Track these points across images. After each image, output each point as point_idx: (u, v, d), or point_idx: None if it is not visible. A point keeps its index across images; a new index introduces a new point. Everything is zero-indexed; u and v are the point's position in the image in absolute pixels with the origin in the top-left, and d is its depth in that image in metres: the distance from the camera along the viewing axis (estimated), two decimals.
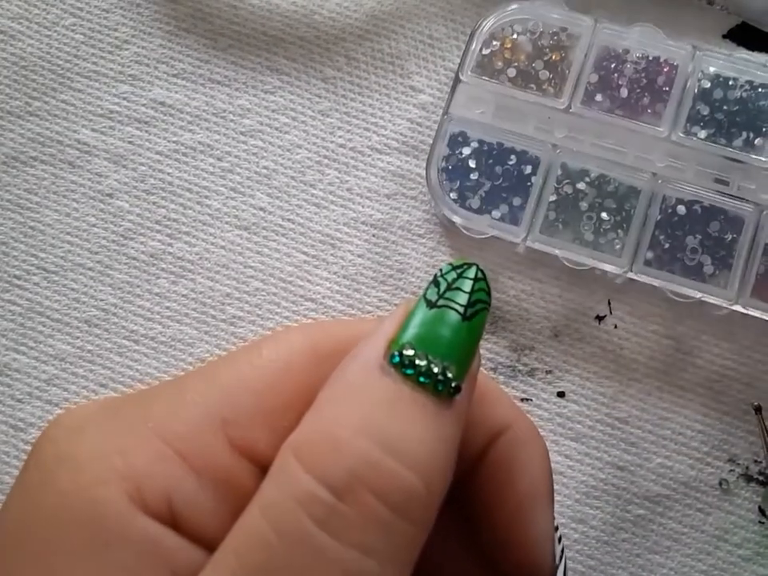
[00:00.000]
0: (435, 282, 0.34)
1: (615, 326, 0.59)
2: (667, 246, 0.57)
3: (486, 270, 0.35)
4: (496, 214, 0.59)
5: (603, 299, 0.60)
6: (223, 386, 0.33)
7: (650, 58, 0.59)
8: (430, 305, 0.33)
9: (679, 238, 0.57)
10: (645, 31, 0.59)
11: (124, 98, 0.63)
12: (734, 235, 0.57)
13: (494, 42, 0.60)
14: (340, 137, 0.62)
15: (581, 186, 0.58)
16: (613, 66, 0.59)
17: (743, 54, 0.60)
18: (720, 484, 0.57)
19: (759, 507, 0.57)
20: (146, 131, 0.63)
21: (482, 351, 0.57)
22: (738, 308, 0.57)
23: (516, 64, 0.60)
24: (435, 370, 0.31)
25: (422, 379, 0.31)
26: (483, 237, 0.59)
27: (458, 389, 0.32)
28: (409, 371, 0.31)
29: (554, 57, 0.60)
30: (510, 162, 0.59)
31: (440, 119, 0.60)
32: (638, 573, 0.57)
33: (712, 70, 0.59)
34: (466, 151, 0.59)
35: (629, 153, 0.58)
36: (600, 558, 0.57)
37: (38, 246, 0.62)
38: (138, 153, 0.63)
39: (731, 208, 0.57)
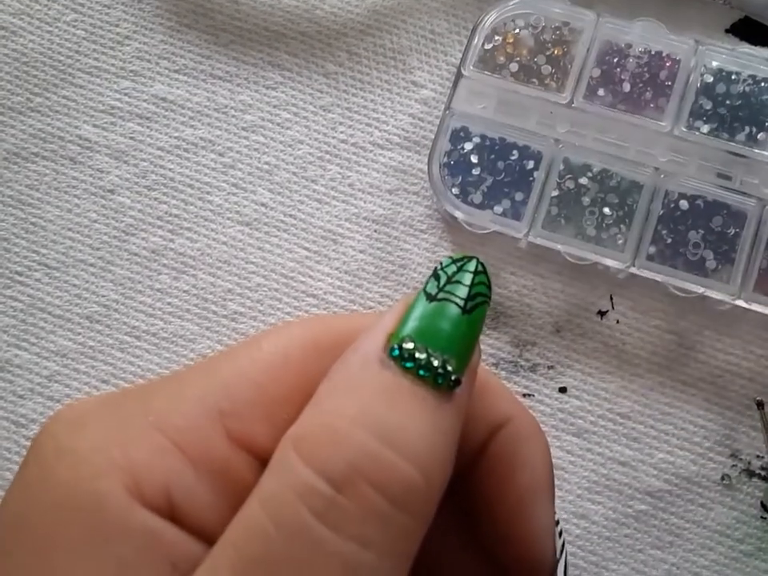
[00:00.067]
0: (435, 276, 0.34)
1: (617, 321, 0.59)
2: (670, 240, 0.57)
3: (488, 266, 0.35)
4: (498, 209, 0.59)
5: (605, 294, 0.59)
6: (222, 380, 0.33)
7: (653, 53, 0.59)
8: (430, 298, 0.33)
9: (682, 233, 0.57)
10: (647, 26, 0.59)
11: (125, 94, 0.63)
12: (737, 230, 0.57)
13: (496, 37, 0.60)
14: (342, 132, 0.62)
15: (583, 180, 0.58)
16: (615, 60, 0.59)
17: (746, 48, 0.60)
18: (722, 479, 0.57)
19: (761, 502, 0.57)
20: (148, 127, 0.63)
21: (483, 347, 0.58)
22: (740, 303, 0.57)
23: (518, 59, 0.60)
24: (435, 363, 0.31)
25: (421, 372, 0.31)
26: (485, 232, 0.59)
27: (457, 382, 0.32)
28: (408, 364, 0.31)
29: (556, 51, 0.60)
30: (512, 157, 0.59)
31: (442, 114, 0.60)
32: (640, 568, 0.57)
33: (715, 64, 0.59)
34: (468, 146, 0.59)
35: (631, 147, 0.58)
36: (602, 553, 0.57)
37: (39, 242, 0.62)
38: (140, 149, 0.63)
39: (734, 203, 0.57)
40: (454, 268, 0.34)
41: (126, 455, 0.31)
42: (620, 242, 0.57)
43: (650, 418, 0.58)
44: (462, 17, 0.63)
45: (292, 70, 0.63)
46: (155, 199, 0.62)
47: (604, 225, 0.58)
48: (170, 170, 0.62)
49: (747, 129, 0.58)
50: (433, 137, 0.60)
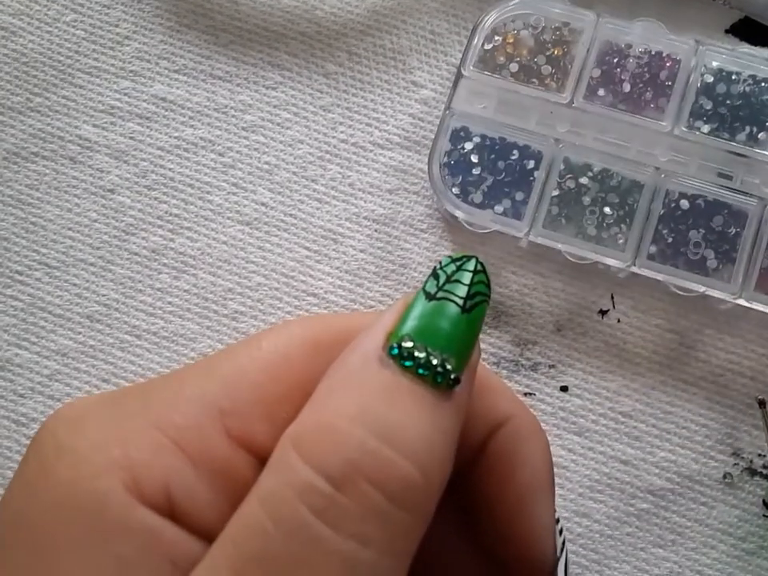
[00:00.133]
0: (434, 275, 0.34)
1: (618, 320, 0.59)
2: (670, 240, 0.57)
3: (489, 265, 0.35)
4: (498, 208, 0.59)
5: (606, 293, 0.59)
6: (222, 378, 0.33)
7: (653, 53, 0.59)
8: (429, 297, 0.33)
9: (682, 232, 0.57)
10: (647, 26, 0.59)
11: (125, 94, 0.64)
12: (738, 229, 0.57)
13: (496, 37, 0.60)
14: (342, 132, 0.63)
15: (583, 180, 0.58)
16: (615, 60, 0.59)
17: (746, 48, 0.60)
18: (724, 477, 0.57)
19: (763, 501, 0.57)
20: (148, 127, 0.63)
21: (485, 346, 0.58)
22: (741, 302, 0.57)
23: (518, 59, 0.60)
24: (434, 362, 0.31)
25: (420, 371, 0.31)
26: (486, 231, 0.59)
27: (457, 381, 0.32)
28: (408, 363, 0.31)
29: (556, 51, 0.60)
30: (513, 157, 0.59)
31: (442, 114, 0.60)
32: (642, 566, 0.57)
33: (715, 64, 0.59)
34: (468, 146, 0.59)
35: (632, 147, 0.58)
36: (604, 551, 0.57)
37: (39, 241, 0.62)
38: (140, 148, 0.63)
39: (734, 202, 0.57)
40: (453, 267, 0.34)
41: (126, 454, 0.31)
42: (621, 241, 0.57)
43: (651, 416, 0.58)
44: (462, 17, 0.63)
45: (292, 70, 0.63)
46: (155, 199, 0.62)
47: (605, 224, 0.58)
48: (170, 169, 0.62)
49: (748, 128, 0.58)
50: (433, 137, 0.60)
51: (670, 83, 0.59)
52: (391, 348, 0.31)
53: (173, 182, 0.62)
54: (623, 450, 0.58)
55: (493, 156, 0.59)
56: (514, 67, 0.60)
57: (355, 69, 0.63)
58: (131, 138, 0.63)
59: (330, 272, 0.61)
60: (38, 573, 0.30)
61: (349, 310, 0.60)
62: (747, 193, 0.57)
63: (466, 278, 0.33)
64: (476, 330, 0.33)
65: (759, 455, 0.58)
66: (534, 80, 0.60)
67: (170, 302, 0.61)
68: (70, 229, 0.62)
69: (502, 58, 0.60)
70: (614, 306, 0.59)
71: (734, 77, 0.58)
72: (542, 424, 0.39)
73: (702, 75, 0.58)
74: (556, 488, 0.40)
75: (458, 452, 0.32)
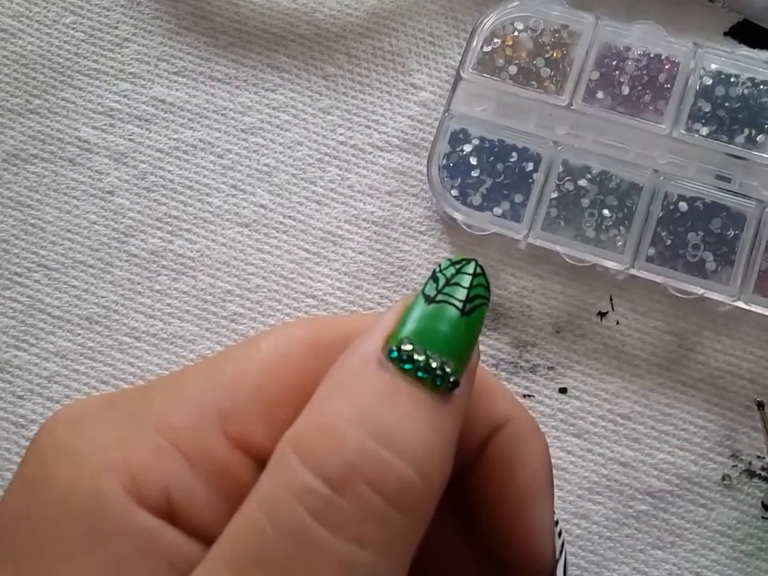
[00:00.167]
0: (434, 278, 0.34)
1: (617, 323, 0.59)
2: (669, 242, 0.57)
3: (488, 267, 0.35)
4: (497, 210, 0.59)
5: (605, 295, 0.60)
6: (222, 380, 0.33)
7: (652, 56, 0.59)
8: (429, 300, 0.33)
9: (681, 235, 0.57)
10: (646, 28, 0.59)
11: (125, 96, 0.64)
12: (737, 232, 0.57)
13: (495, 40, 0.60)
14: (341, 134, 0.63)
15: (582, 182, 0.58)
16: (614, 63, 0.59)
17: (745, 51, 0.60)
18: (723, 479, 0.57)
19: (762, 503, 0.57)
20: (147, 129, 0.63)
21: (483, 348, 0.58)
22: (740, 304, 0.57)
23: (517, 61, 0.60)
24: (433, 364, 0.31)
25: (420, 374, 0.31)
26: (484, 234, 0.59)
27: (456, 383, 0.32)
28: (407, 366, 0.31)
29: (555, 54, 0.60)
30: (512, 159, 0.59)
31: (441, 116, 0.60)
32: (641, 568, 0.57)
33: (714, 67, 0.59)
34: (467, 148, 0.59)
35: (630, 150, 0.58)
36: (602, 553, 0.57)
37: (38, 243, 0.62)
38: (139, 150, 0.63)
39: (733, 204, 0.57)
40: (452, 270, 0.34)
41: (126, 455, 0.31)
42: (619, 243, 0.57)
43: (650, 418, 0.58)
44: (461, 19, 0.63)
45: (291, 72, 0.63)
46: (154, 201, 0.62)
47: (603, 226, 0.58)
48: (169, 171, 0.62)
49: (746, 131, 0.58)
50: (432, 139, 0.60)
51: (668, 86, 0.59)
52: (390, 351, 0.31)
53: (172, 183, 0.62)
54: (622, 452, 0.58)
55: (492, 158, 0.59)
56: (512, 69, 0.60)
57: (354, 71, 0.63)
58: (130, 139, 0.63)
59: (329, 274, 0.61)
60: (37, 573, 0.30)
61: (348, 311, 0.60)
62: (746, 195, 0.57)
63: (466, 281, 0.33)
64: (475, 332, 0.33)
65: (758, 457, 0.58)
66: (533, 82, 0.60)
67: (169, 304, 0.61)
68: (69, 231, 0.62)
69: (500, 61, 0.60)
70: (612, 308, 0.59)
71: (732, 79, 0.58)
72: (540, 426, 0.39)
73: (701, 78, 0.58)
74: (555, 490, 0.40)
75: (457, 454, 0.32)
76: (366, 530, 0.29)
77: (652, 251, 0.57)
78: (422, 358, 0.31)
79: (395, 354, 0.31)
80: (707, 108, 0.58)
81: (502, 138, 0.59)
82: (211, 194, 0.62)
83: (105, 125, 0.63)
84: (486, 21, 0.60)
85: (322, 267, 0.61)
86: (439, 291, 0.33)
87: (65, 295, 0.61)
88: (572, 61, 0.59)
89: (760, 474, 0.57)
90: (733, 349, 0.59)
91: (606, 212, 0.58)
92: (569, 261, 0.58)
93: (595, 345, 0.59)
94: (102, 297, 0.61)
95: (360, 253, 0.61)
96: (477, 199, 0.59)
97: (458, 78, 0.60)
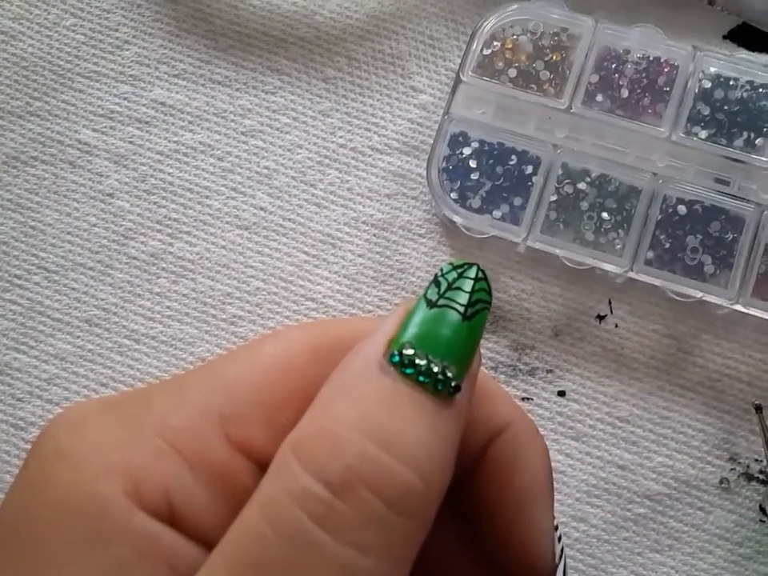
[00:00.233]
0: (436, 282, 0.33)
1: (616, 326, 0.59)
2: (668, 245, 0.57)
3: (487, 270, 0.34)
4: (497, 213, 0.59)
5: (604, 299, 0.60)
6: (222, 383, 0.33)
7: (651, 59, 0.59)
8: (431, 304, 0.33)
9: (680, 238, 0.57)
10: (645, 31, 0.59)
11: (125, 98, 0.64)
12: (735, 235, 0.57)
13: (495, 43, 0.60)
14: (341, 137, 0.63)
15: (581, 185, 0.58)
16: (613, 66, 0.59)
17: (744, 54, 0.60)
18: (721, 483, 0.58)
19: (760, 506, 0.57)
20: (147, 131, 0.63)
21: (482, 351, 0.57)
22: (738, 307, 0.57)
23: (517, 64, 0.60)
24: (435, 369, 0.31)
25: (421, 378, 0.31)
26: (484, 236, 0.59)
27: (457, 388, 0.32)
28: (408, 370, 0.31)
29: (554, 57, 0.60)
30: (511, 162, 0.59)
31: (441, 119, 0.60)
32: (639, 571, 0.57)
33: (713, 70, 0.59)
34: (467, 151, 0.59)
35: (629, 153, 0.58)
36: (601, 556, 0.57)
37: (38, 245, 0.62)
38: (139, 153, 0.63)
39: (732, 208, 0.57)
40: (454, 274, 0.34)
41: (126, 458, 0.31)
42: (618, 246, 0.57)
43: (648, 421, 0.58)
44: (461, 22, 0.63)
45: (291, 74, 0.63)
46: (154, 203, 0.62)
47: (602, 230, 0.58)
48: (169, 174, 0.62)
49: (745, 134, 0.58)
50: (431, 142, 0.60)
51: (667, 89, 0.59)
52: (392, 355, 0.31)
53: (172, 186, 0.62)
54: (620, 455, 0.58)
55: (491, 161, 0.59)
56: (512, 72, 0.60)
57: (354, 74, 0.63)
58: (131, 142, 0.63)
59: (329, 276, 0.61)
60: (36, 574, 0.30)
61: (347, 314, 0.60)
62: (744, 198, 0.57)
63: (468, 285, 0.33)
64: (477, 337, 0.33)
65: (756, 460, 0.58)
66: (533, 85, 0.60)
67: (168, 307, 0.61)
68: (69, 233, 0.62)
69: (500, 64, 0.60)
70: (611, 311, 0.59)
71: (731, 82, 0.58)
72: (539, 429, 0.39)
73: (700, 81, 0.59)
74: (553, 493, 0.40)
75: (458, 458, 0.32)
76: (367, 534, 0.29)
77: (651, 254, 0.57)
78: (423, 362, 0.31)
79: (397, 359, 0.31)
80: (706, 111, 0.58)
81: (501, 141, 0.59)
82: (211, 196, 0.62)
83: (105, 127, 0.63)
84: (485, 24, 0.60)
85: (322, 270, 0.61)
86: (441, 295, 0.33)
87: (64, 297, 0.61)
88: (571, 64, 0.59)
89: (758, 478, 0.57)
90: (731, 352, 0.59)
91: (604, 215, 0.58)
92: (568, 264, 0.58)
93: (594, 348, 0.59)
94: (102, 299, 0.61)
95: (359, 255, 0.61)
96: (476, 202, 0.59)
97: (457, 81, 0.60)
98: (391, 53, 0.63)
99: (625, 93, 0.59)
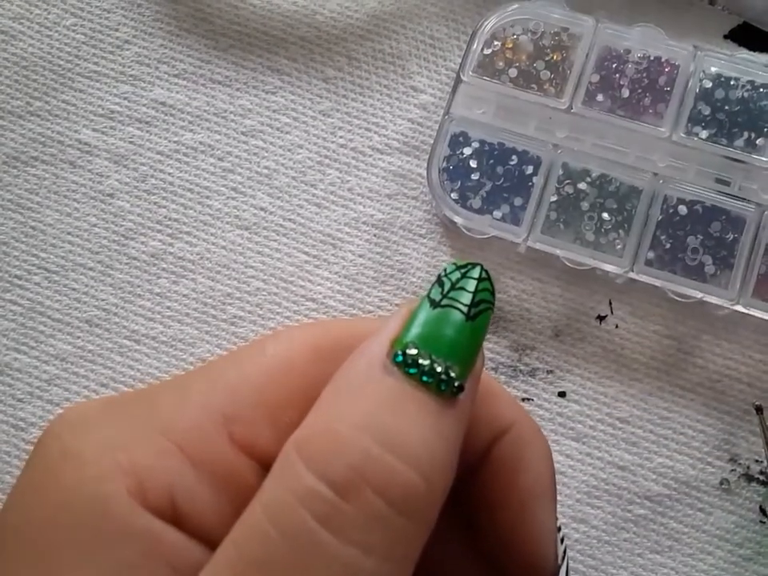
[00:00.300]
0: (439, 282, 0.33)
1: (616, 326, 0.59)
2: (668, 246, 0.57)
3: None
4: (497, 214, 0.59)
5: (604, 299, 0.60)
6: (225, 383, 0.33)
7: (652, 58, 0.59)
8: (434, 304, 0.33)
9: (680, 238, 0.57)
10: (646, 31, 0.59)
11: (125, 98, 0.63)
12: (736, 235, 0.57)
13: (495, 42, 0.60)
14: (341, 137, 0.63)
15: (582, 186, 0.58)
16: (614, 66, 0.59)
17: (744, 54, 0.60)
18: (721, 484, 0.57)
19: (760, 507, 0.57)
20: (147, 131, 0.63)
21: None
22: (739, 308, 0.57)
23: (517, 64, 0.60)
24: (438, 369, 0.31)
25: (424, 378, 0.31)
26: (484, 237, 0.59)
27: (460, 388, 0.32)
28: (412, 370, 0.31)
29: (555, 57, 0.60)
30: (511, 162, 0.59)
31: (441, 119, 0.60)
32: (639, 572, 0.57)
33: (713, 70, 0.59)
34: (467, 151, 0.59)
35: (630, 153, 0.58)
36: (601, 557, 0.57)
37: (38, 245, 0.62)
38: (139, 153, 0.63)
39: (733, 208, 0.57)
40: (457, 274, 0.34)
41: (131, 458, 0.31)
42: (619, 247, 0.57)
43: (648, 422, 0.58)
44: (462, 22, 0.63)
45: (291, 74, 0.63)
46: (155, 203, 0.62)
47: (603, 230, 0.58)
48: (169, 174, 0.62)
49: (746, 134, 0.58)
50: (432, 142, 0.60)
51: (668, 89, 0.59)
52: (395, 355, 0.31)
53: (172, 186, 0.62)
54: (621, 456, 0.58)
55: (491, 161, 0.59)
56: (513, 72, 0.60)
57: (354, 74, 0.63)
58: (131, 142, 0.63)
59: (329, 277, 0.61)
60: (40, 574, 0.30)
61: (348, 315, 0.60)
62: (745, 199, 0.57)
63: (471, 285, 0.33)
64: (480, 337, 0.33)
65: (756, 461, 0.58)
66: (533, 85, 0.60)
67: (168, 307, 0.61)
68: (69, 233, 0.62)
69: (501, 63, 0.60)
70: (611, 312, 0.59)
71: (732, 82, 0.58)
72: None
73: (701, 81, 0.58)
74: None
75: (461, 459, 0.32)
76: (370, 534, 0.29)
77: (651, 255, 0.57)
78: (426, 362, 0.31)
79: (400, 359, 0.31)
80: (707, 111, 0.58)
81: (501, 141, 0.59)
82: (211, 196, 0.62)
83: (105, 127, 0.63)
84: (486, 23, 0.60)
85: (322, 270, 0.61)
86: (444, 295, 0.33)
87: (65, 298, 0.61)
88: (572, 64, 0.59)
89: (758, 479, 0.57)
90: (731, 353, 0.59)
91: (605, 215, 0.58)
92: (568, 264, 0.58)
93: (594, 348, 0.59)
94: (102, 299, 0.61)
95: (360, 256, 0.61)
96: (477, 202, 0.59)
97: (458, 81, 0.59)
98: (392, 52, 0.63)
99: (625, 93, 0.59)
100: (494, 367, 0.59)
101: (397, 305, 0.60)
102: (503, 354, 0.59)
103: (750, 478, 0.58)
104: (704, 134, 0.58)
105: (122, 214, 0.62)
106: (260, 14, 0.64)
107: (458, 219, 0.59)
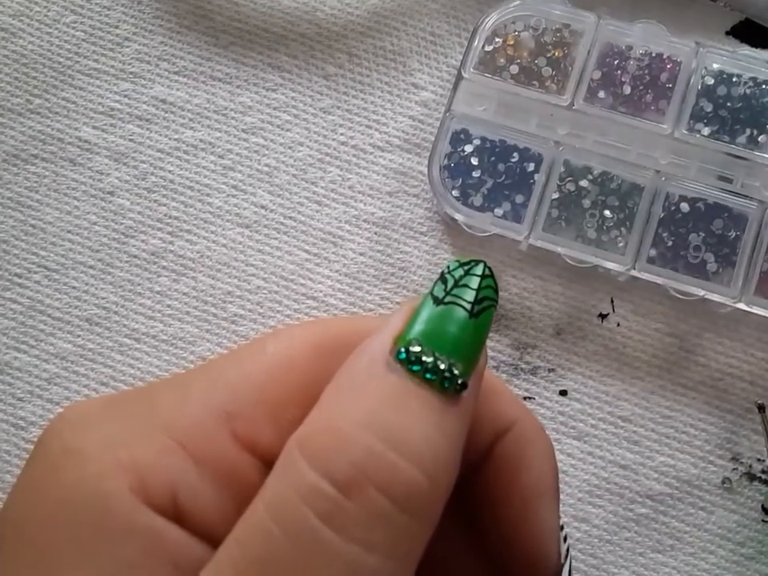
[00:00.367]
0: (442, 279, 0.33)
1: (618, 324, 0.59)
2: (670, 243, 0.57)
3: None
4: (498, 211, 0.58)
5: (606, 297, 0.59)
6: (228, 382, 0.33)
7: (653, 55, 0.59)
8: (437, 301, 0.33)
9: (682, 236, 0.57)
10: (648, 28, 0.59)
11: (125, 96, 0.63)
12: (738, 233, 0.57)
13: (497, 39, 0.60)
14: (342, 134, 0.62)
15: (583, 183, 0.58)
16: (616, 62, 0.59)
17: (747, 50, 0.60)
18: (723, 482, 0.57)
19: (762, 506, 0.57)
20: (147, 129, 0.63)
21: None
22: (741, 306, 0.57)
23: (518, 61, 0.60)
24: (442, 366, 0.31)
25: (428, 376, 0.31)
26: (485, 235, 0.59)
27: (464, 386, 0.31)
28: (415, 368, 0.31)
29: (556, 53, 0.60)
30: (513, 160, 0.59)
31: (442, 116, 0.60)
32: (641, 572, 0.57)
33: (715, 66, 0.59)
34: (469, 149, 0.59)
35: (632, 150, 0.58)
36: (602, 556, 0.57)
37: (38, 244, 0.62)
38: (139, 150, 0.63)
39: (735, 205, 0.57)
40: (461, 272, 0.34)
41: (132, 455, 0.31)
42: (621, 244, 0.57)
43: (650, 421, 0.58)
44: (463, 19, 0.63)
45: (292, 71, 0.63)
46: (155, 201, 0.62)
47: (605, 227, 0.58)
48: (169, 171, 0.62)
49: (748, 131, 0.58)
50: (433, 139, 0.60)
51: (670, 85, 0.59)
52: (399, 352, 0.31)
53: (172, 184, 0.62)
54: (622, 455, 0.58)
55: (493, 158, 0.59)
56: (514, 69, 0.60)
57: (355, 71, 0.63)
58: (131, 140, 0.63)
59: (330, 275, 0.61)
60: (41, 572, 0.30)
61: (348, 313, 0.60)
62: (747, 196, 0.57)
63: (474, 282, 0.33)
64: (483, 334, 0.33)
65: (758, 460, 0.57)
66: (535, 82, 0.59)
67: (169, 305, 0.61)
68: (69, 231, 0.62)
69: (502, 60, 0.60)
70: (613, 310, 0.59)
71: (734, 79, 0.58)
72: None
73: (703, 77, 0.58)
74: None
75: (464, 456, 0.32)
76: (373, 532, 0.29)
77: (653, 252, 0.57)
78: (430, 359, 0.31)
79: (403, 356, 0.31)
80: (709, 108, 0.58)
81: (503, 138, 0.59)
82: (212, 194, 0.62)
83: (105, 125, 0.63)
84: (487, 20, 0.60)
85: (323, 268, 0.61)
86: (448, 293, 0.33)
87: (65, 296, 0.61)
88: (573, 60, 0.59)
89: (760, 477, 0.57)
90: (734, 351, 0.59)
91: (607, 213, 0.58)
92: (570, 262, 0.58)
93: (596, 347, 0.59)
94: (102, 298, 0.61)
95: (360, 254, 0.61)
96: (478, 200, 0.59)
97: (459, 78, 0.59)
98: (392, 49, 0.63)
99: (627, 89, 0.59)
100: (496, 365, 0.59)
101: (397, 303, 0.60)
102: (504, 352, 0.59)
103: (752, 476, 0.57)
104: (706, 130, 0.58)
105: (122, 211, 0.62)
106: (260, 11, 0.64)
107: (459, 217, 0.58)
